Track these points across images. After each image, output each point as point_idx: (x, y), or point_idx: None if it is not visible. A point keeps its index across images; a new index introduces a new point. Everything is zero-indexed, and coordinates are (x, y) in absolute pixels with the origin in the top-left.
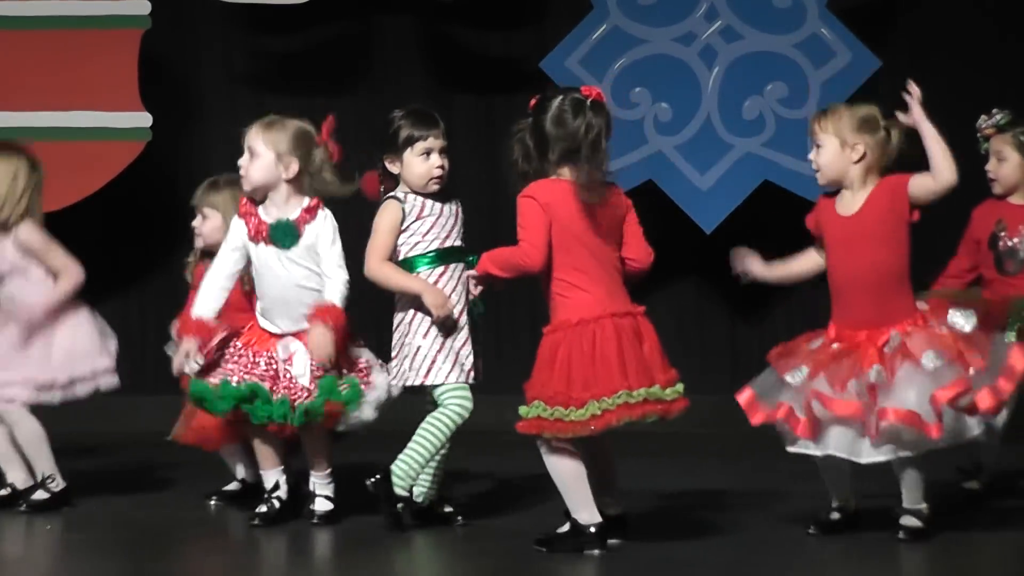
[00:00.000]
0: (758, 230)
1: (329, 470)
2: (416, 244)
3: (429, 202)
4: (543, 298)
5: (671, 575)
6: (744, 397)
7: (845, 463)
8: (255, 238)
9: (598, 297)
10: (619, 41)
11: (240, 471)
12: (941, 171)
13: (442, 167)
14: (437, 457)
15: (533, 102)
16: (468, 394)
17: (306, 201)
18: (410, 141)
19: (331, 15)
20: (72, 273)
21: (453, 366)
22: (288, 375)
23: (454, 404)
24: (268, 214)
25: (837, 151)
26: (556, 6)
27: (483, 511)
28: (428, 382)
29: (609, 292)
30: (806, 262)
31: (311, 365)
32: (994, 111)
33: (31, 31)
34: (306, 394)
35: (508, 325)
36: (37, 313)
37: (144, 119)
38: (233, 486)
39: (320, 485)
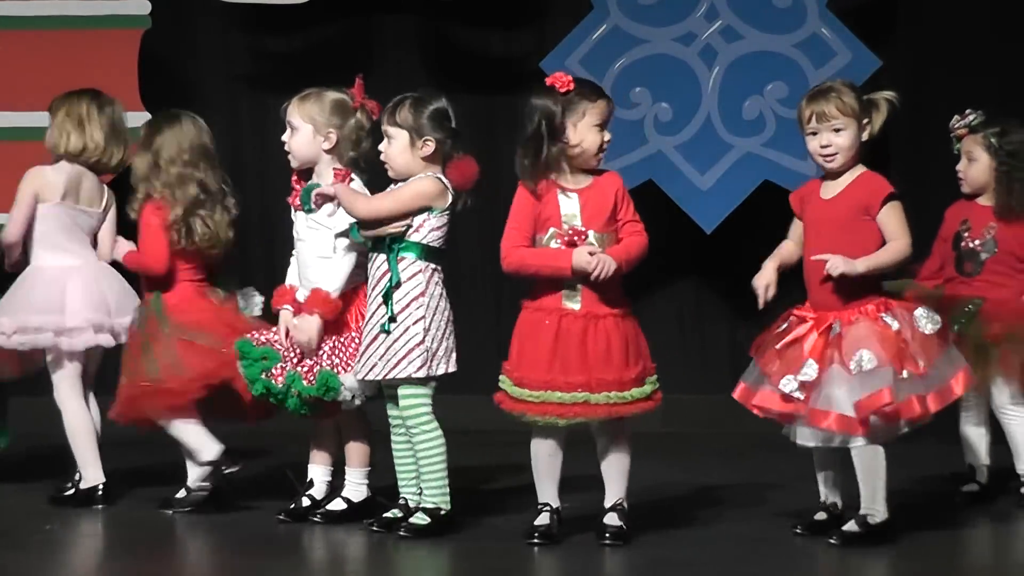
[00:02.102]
0: (758, 230)
1: (363, 470)
2: None
3: None
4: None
5: (671, 575)
6: (738, 391)
7: (836, 465)
8: (293, 205)
9: None
10: (619, 41)
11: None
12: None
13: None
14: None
15: None
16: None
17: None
18: None
19: (331, 15)
20: None
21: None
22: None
23: None
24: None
25: (857, 133)
26: (556, 6)
27: (486, 510)
28: None
29: None
30: (794, 253)
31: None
32: (967, 111)
33: (31, 31)
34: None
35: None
36: None
37: (144, 119)
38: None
39: (348, 484)
